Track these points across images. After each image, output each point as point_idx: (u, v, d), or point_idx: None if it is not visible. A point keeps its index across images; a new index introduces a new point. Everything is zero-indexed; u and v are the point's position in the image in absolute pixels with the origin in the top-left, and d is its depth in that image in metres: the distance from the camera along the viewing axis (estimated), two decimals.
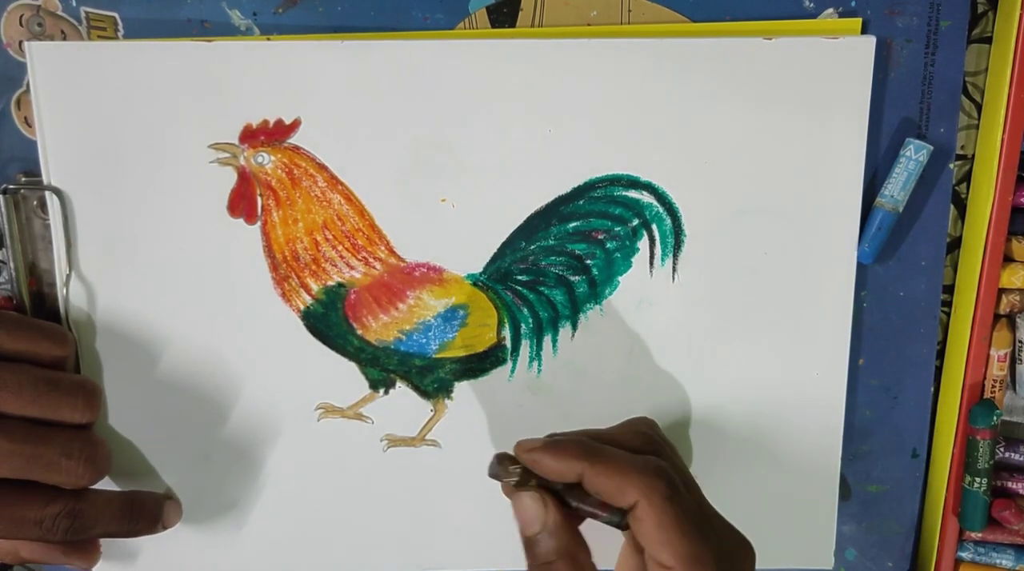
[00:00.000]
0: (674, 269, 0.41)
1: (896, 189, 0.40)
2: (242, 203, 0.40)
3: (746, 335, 0.41)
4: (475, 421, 0.42)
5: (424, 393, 0.42)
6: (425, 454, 0.42)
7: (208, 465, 0.42)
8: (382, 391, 0.42)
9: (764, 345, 0.41)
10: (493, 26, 0.40)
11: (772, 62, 0.38)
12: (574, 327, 0.41)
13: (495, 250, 0.40)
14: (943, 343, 0.43)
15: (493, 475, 0.34)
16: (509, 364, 0.41)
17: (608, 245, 0.40)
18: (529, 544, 0.34)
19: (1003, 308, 0.41)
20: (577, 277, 0.41)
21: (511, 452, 0.34)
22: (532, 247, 0.40)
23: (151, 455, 0.42)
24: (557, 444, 0.34)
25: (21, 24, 0.39)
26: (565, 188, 0.40)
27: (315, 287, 0.40)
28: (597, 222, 0.40)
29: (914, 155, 0.39)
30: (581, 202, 0.40)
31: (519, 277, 0.41)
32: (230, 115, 0.39)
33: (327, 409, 0.42)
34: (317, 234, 0.40)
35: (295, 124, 0.39)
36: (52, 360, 0.38)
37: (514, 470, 0.34)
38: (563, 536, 0.33)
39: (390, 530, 0.43)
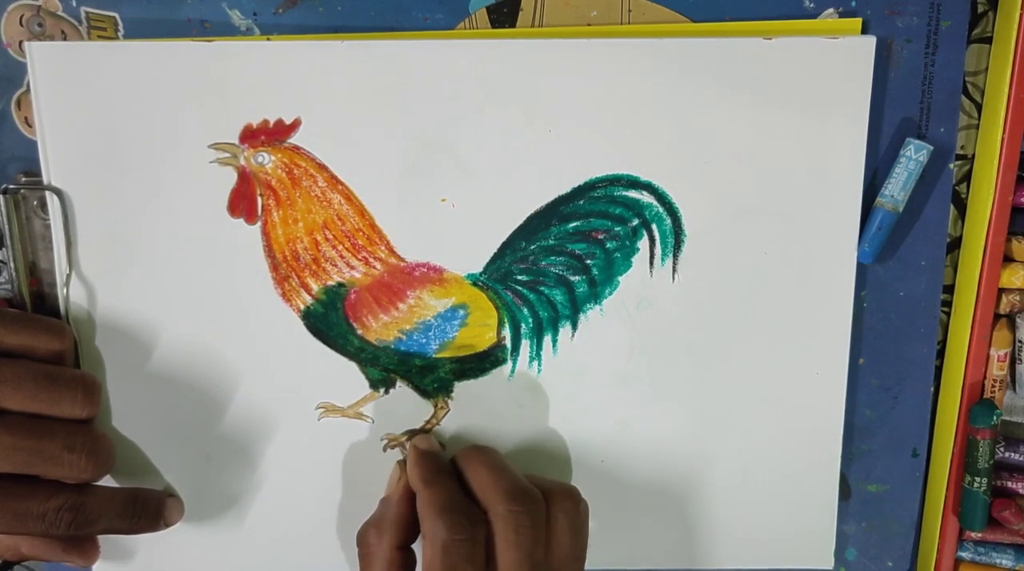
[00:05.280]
0: (674, 269, 0.41)
1: (896, 189, 0.40)
2: (242, 203, 0.40)
3: (746, 335, 0.41)
4: (475, 421, 0.42)
5: (424, 393, 0.42)
6: None
7: (208, 464, 0.42)
8: (382, 391, 0.42)
9: (764, 345, 0.41)
10: (493, 26, 0.40)
11: (772, 62, 0.38)
12: (574, 327, 0.41)
13: (495, 250, 0.40)
14: (943, 343, 0.43)
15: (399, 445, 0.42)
16: (509, 364, 0.41)
17: (608, 245, 0.40)
18: (379, 501, 0.40)
19: (1003, 308, 0.41)
20: (577, 277, 0.41)
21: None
22: (532, 247, 0.40)
23: (152, 454, 0.42)
24: (424, 456, 0.39)
25: (21, 24, 0.39)
26: (565, 188, 0.40)
27: (315, 287, 0.40)
28: (597, 222, 0.40)
29: (914, 155, 0.39)
30: (581, 202, 0.40)
31: (519, 277, 0.41)
32: (230, 115, 0.39)
33: (327, 408, 0.42)
34: (317, 234, 0.40)
35: (295, 124, 0.39)
36: (50, 354, 0.38)
37: (404, 451, 0.42)
38: (391, 508, 0.39)
39: None
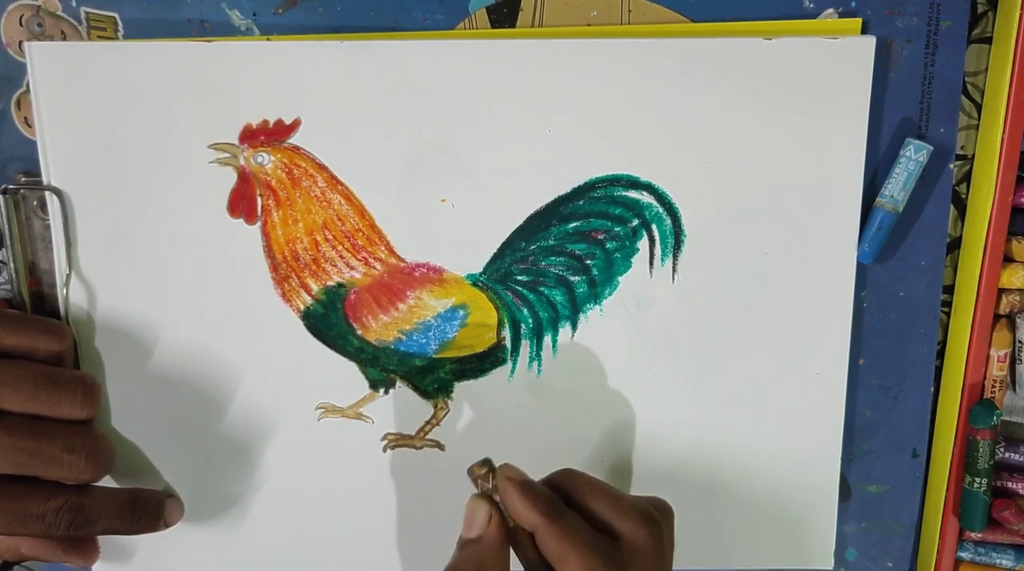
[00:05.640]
0: (674, 269, 0.41)
1: (896, 189, 0.40)
2: (242, 203, 0.40)
3: (746, 335, 0.41)
4: (475, 421, 0.42)
5: (424, 393, 0.42)
6: (425, 454, 0.42)
7: (208, 464, 0.42)
8: (382, 391, 0.42)
9: (764, 345, 0.41)
10: (493, 26, 0.40)
11: (772, 62, 0.38)
12: (574, 327, 0.41)
13: (495, 250, 0.40)
14: (943, 343, 0.43)
15: (469, 473, 0.36)
16: (509, 364, 0.41)
17: (608, 245, 0.40)
18: (461, 544, 0.35)
19: (1003, 308, 0.41)
20: (577, 277, 0.41)
21: (495, 464, 0.36)
22: (532, 247, 0.40)
23: (152, 455, 0.42)
24: (531, 488, 0.35)
25: (21, 24, 0.39)
26: (565, 188, 0.40)
27: (315, 287, 0.40)
28: (597, 222, 0.40)
29: (914, 155, 0.39)
30: (581, 202, 0.40)
31: (519, 277, 0.41)
32: (230, 115, 0.39)
33: (327, 409, 0.42)
34: (317, 234, 0.40)
35: (295, 124, 0.39)
36: (50, 355, 0.38)
37: (485, 484, 0.35)
38: (488, 554, 0.34)
39: (389, 530, 0.43)
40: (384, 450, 0.42)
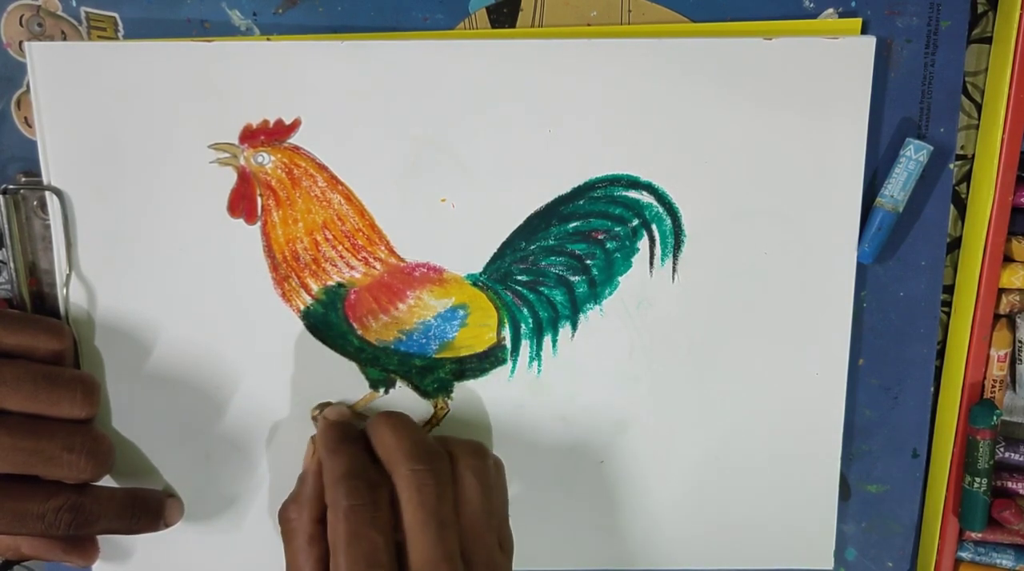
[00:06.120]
0: (674, 269, 0.41)
1: (896, 189, 0.40)
2: (242, 203, 0.40)
3: (746, 335, 0.41)
4: (475, 421, 0.42)
5: (424, 393, 0.42)
6: None
7: (208, 464, 0.42)
8: (382, 391, 0.42)
9: (764, 345, 0.41)
10: (493, 26, 0.40)
11: (772, 62, 0.38)
12: (574, 327, 0.41)
13: (495, 250, 0.40)
14: (943, 343, 0.43)
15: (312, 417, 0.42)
16: (509, 364, 0.41)
17: (608, 245, 0.40)
18: (299, 477, 0.39)
19: (1003, 308, 0.41)
20: (577, 277, 0.41)
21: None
22: (532, 247, 0.40)
23: (152, 455, 0.42)
24: (332, 426, 0.39)
25: (21, 24, 0.39)
26: (565, 188, 0.40)
27: (315, 287, 0.40)
28: (597, 222, 0.40)
29: (914, 155, 0.39)
30: (581, 202, 0.40)
31: (519, 277, 0.41)
32: (230, 115, 0.39)
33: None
34: (317, 234, 0.40)
35: (295, 124, 0.39)
36: (50, 354, 0.38)
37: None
38: (306, 485, 0.38)
39: None
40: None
